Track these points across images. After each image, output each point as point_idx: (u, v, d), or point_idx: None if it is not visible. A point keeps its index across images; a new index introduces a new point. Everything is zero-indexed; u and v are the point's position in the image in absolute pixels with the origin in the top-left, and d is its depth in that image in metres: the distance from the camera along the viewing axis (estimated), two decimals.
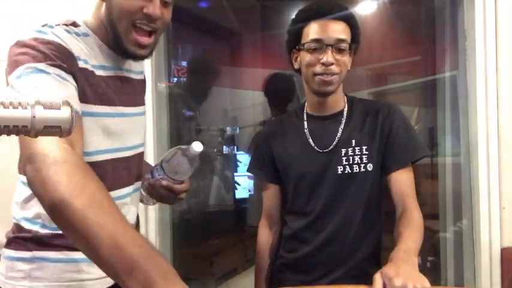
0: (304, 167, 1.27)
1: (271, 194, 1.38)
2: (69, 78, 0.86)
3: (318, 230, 1.25)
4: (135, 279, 0.60)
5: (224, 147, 3.84)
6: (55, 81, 0.83)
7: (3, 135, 0.56)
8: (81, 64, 0.90)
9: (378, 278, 0.93)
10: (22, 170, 0.82)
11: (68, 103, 0.58)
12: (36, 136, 0.56)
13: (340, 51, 1.19)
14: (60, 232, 0.90)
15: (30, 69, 0.82)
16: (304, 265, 1.27)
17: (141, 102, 1.13)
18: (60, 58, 0.85)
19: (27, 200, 1.00)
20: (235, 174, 3.74)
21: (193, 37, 3.62)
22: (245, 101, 4.02)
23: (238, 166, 3.77)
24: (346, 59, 1.21)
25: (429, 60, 2.47)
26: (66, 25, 0.93)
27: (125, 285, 0.61)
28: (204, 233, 3.43)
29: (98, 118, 0.95)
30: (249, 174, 3.58)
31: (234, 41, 4.17)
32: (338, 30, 1.19)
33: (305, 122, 1.31)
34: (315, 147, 1.27)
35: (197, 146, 1.00)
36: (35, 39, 0.86)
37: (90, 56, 0.94)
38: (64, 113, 0.56)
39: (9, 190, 1.53)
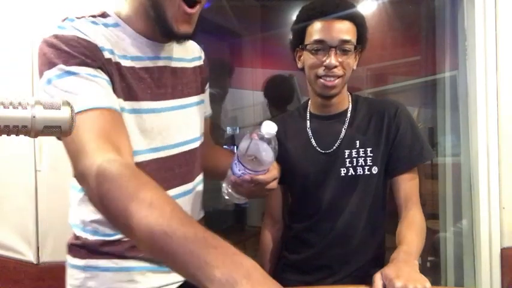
0: (307, 168, 1.25)
1: (274, 194, 1.35)
2: (98, 73, 0.82)
3: (321, 232, 1.24)
4: (217, 284, 0.53)
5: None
6: (85, 81, 0.80)
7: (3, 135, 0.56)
8: (106, 55, 0.85)
9: (378, 279, 0.92)
10: (76, 179, 0.79)
11: (68, 103, 0.57)
12: (36, 136, 0.56)
13: (344, 52, 1.15)
14: (110, 239, 0.92)
15: (59, 72, 0.79)
16: (307, 266, 1.26)
17: (191, 93, 1.03)
18: (84, 54, 0.81)
19: (77, 206, 0.98)
20: None
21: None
22: (245, 101, 4.01)
23: None
24: (351, 60, 1.17)
25: (429, 60, 2.47)
26: (93, 16, 0.90)
27: None
28: None
29: (127, 115, 0.88)
30: None
31: (234, 41, 4.16)
32: (342, 31, 1.14)
33: (308, 122, 1.29)
34: (317, 148, 1.24)
35: (269, 127, 0.88)
36: (56, 36, 0.82)
37: (119, 46, 0.89)
38: (64, 113, 0.56)
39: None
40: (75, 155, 0.75)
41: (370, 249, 1.23)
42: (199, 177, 1.07)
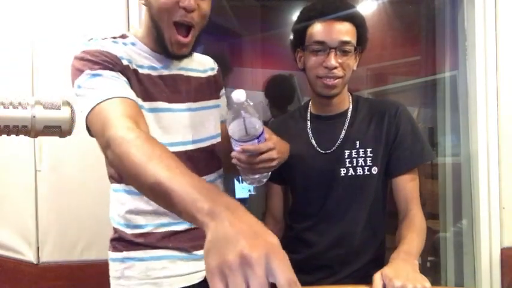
0: (307, 168, 1.25)
1: (274, 194, 1.36)
2: (119, 75, 0.97)
3: (321, 232, 1.24)
4: (204, 213, 0.62)
5: None
6: (108, 79, 0.94)
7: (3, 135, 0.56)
8: (125, 62, 1.00)
9: (377, 279, 0.92)
10: (102, 151, 0.89)
11: (68, 103, 0.58)
12: (36, 136, 0.56)
13: (344, 53, 1.16)
14: (143, 231, 1.05)
15: (86, 77, 0.94)
16: (307, 267, 1.26)
17: (205, 97, 1.15)
18: (106, 61, 0.96)
19: (113, 202, 1.10)
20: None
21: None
22: None
23: None
24: (351, 61, 1.18)
25: (429, 60, 2.47)
26: (114, 37, 1.05)
27: (197, 221, 0.63)
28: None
29: (146, 113, 1.00)
30: None
31: (234, 41, 4.16)
32: (342, 32, 1.15)
33: (308, 122, 1.29)
34: (317, 148, 1.24)
35: (237, 94, 0.92)
36: (82, 51, 0.98)
37: (136, 58, 1.04)
38: (64, 113, 0.56)
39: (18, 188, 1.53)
40: (101, 129, 0.85)
41: (370, 249, 1.23)
42: (218, 172, 1.17)
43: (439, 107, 2.16)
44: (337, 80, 1.16)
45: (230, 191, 3.74)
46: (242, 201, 3.72)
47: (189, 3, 0.98)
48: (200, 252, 1.07)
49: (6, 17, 1.55)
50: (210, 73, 1.22)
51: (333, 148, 1.22)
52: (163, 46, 1.04)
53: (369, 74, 3.41)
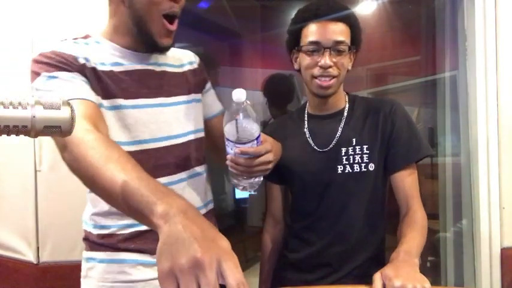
0: (304, 167, 1.26)
1: (274, 194, 1.38)
2: (76, 75, 0.95)
3: (320, 230, 1.25)
4: (158, 216, 0.62)
5: None
6: (65, 81, 0.93)
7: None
8: (81, 61, 0.98)
9: (377, 279, 0.93)
10: (60, 152, 0.88)
11: (68, 103, 0.57)
12: (36, 136, 0.56)
13: (338, 52, 1.18)
14: (106, 232, 1.04)
15: (43, 79, 0.93)
16: (307, 265, 1.27)
17: (180, 92, 1.13)
18: (61, 62, 0.95)
19: (87, 204, 1.09)
20: None
21: (194, 37, 3.62)
22: None
23: None
24: (345, 60, 1.20)
25: (429, 60, 2.47)
26: (75, 38, 1.05)
27: (151, 223, 0.64)
28: None
29: (106, 111, 0.99)
30: None
31: (234, 41, 4.16)
32: (336, 32, 1.17)
33: (305, 122, 1.31)
34: (314, 147, 1.26)
35: (238, 94, 0.89)
36: (40, 54, 0.97)
37: (96, 56, 1.01)
38: (64, 113, 0.56)
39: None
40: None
41: (369, 246, 1.24)
42: (198, 167, 1.15)
43: (439, 107, 2.16)
44: (332, 81, 1.18)
45: (232, 190, 3.75)
46: (242, 201, 3.72)
47: None
48: None
49: (6, 17, 1.55)
50: (189, 67, 1.20)
51: (330, 146, 1.24)
52: (148, 41, 1.02)
53: (368, 74, 3.41)
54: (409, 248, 1.03)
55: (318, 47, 1.18)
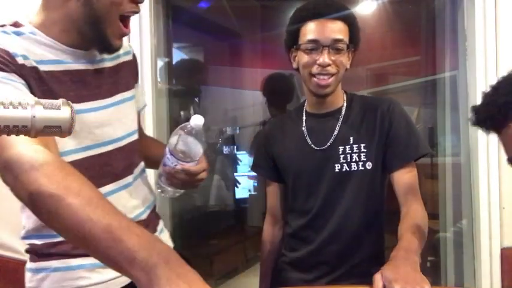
0: (302, 165, 1.27)
1: (273, 192, 1.38)
2: (13, 77, 0.83)
3: (317, 229, 1.25)
4: (137, 267, 0.58)
5: (224, 147, 3.84)
6: (1, 83, 0.80)
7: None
8: (20, 60, 0.85)
9: (378, 280, 0.92)
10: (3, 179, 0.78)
11: (68, 103, 0.58)
12: (36, 136, 0.56)
13: (337, 51, 1.18)
14: (56, 240, 0.95)
15: None
16: (305, 264, 1.27)
17: (121, 89, 1.05)
18: None
19: (22, 212, 1.00)
20: (235, 174, 3.74)
21: (193, 37, 3.62)
22: (245, 101, 4.02)
23: (238, 166, 3.77)
24: (344, 59, 1.20)
25: (429, 60, 2.47)
26: (2, 26, 0.90)
27: (128, 274, 0.60)
28: (204, 233, 3.43)
29: None
30: (250, 174, 3.62)
31: (234, 41, 4.16)
32: (335, 30, 1.18)
33: (303, 120, 1.31)
34: (312, 145, 1.26)
35: (197, 120, 0.96)
36: None
37: (35, 52, 0.89)
38: (64, 113, 0.56)
39: None
40: (0, 150, 0.73)
41: (367, 245, 1.24)
42: (139, 168, 1.11)
43: (439, 107, 2.16)
44: (330, 79, 1.18)
45: (232, 190, 3.75)
46: (242, 200, 3.73)
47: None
48: None
49: (6, 16, 1.55)
50: (125, 58, 1.10)
51: (327, 144, 1.24)
52: (100, 41, 0.94)
53: (368, 74, 3.41)
54: (409, 246, 1.02)
55: (316, 45, 1.18)
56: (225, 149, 3.79)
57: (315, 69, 1.18)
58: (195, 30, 3.58)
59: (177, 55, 3.26)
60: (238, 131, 3.95)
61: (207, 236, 3.40)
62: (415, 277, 0.90)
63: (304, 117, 1.31)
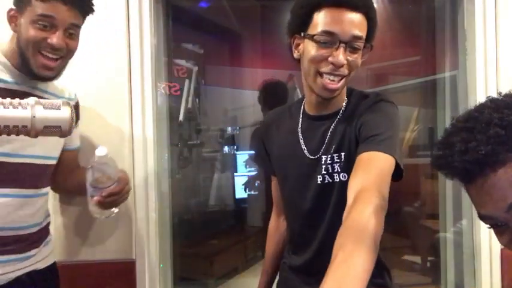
0: (292, 171, 1.17)
1: (275, 184, 1.32)
2: None
3: (307, 238, 1.18)
4: None
5: (224, 147, 3.84)
6: None
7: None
8: None
9: None
10: None
11: (68, 103, 0.58)
12: (36, 136, 0.56)
13: (354, 50, 1.00)
14: None
15: None
16: (303, 270, 1.24)
17: None
18: None
19: None
20: (235, 174, 3.74)
21: (193, 37, 3.62)
22: (245, 101, 4.02)
23: (238, 166, 3.77)
24: (359, 59, 1.03)
25: (429, 60, 2.47)
26: None
27: None
28: (204, 233, 3.43)
29: None
30: (250, 174, 3.62)
31: (234, 41, 4.16)
32: (356, 24, 0.98)
33: (300, 121, 1.18)
34: (305, 152, 1.14)
35: (100, 151, 1.08)
36: None
37: None
38: (64, 113, 0.56)
39: None
40: None
41: None
42: (45, 190, 1.23)
43: (439, 107, 2.16)
44: (341, 82, 1.02)
45: (232, 190, 3.75)
46: (242, 201, 3.73)
47: (57, 42, 1.05)
48: (4, 257, 1.10)
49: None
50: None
51: (318, 154, 1.11)
52: (27, 68, 1.09)
53: (369, 74, 3.41)
54: (334, 285, 0.74)
55: (332, 39, 0.98)
56: (225, 149, 3.79)
57: (325, 67, 1.00)
58: (195, 30, 3.58)
59: None
60: (238, 131, 3.95)
61: (207, 236, 3.40)
62: None
63: (300, 117, 1.19)
